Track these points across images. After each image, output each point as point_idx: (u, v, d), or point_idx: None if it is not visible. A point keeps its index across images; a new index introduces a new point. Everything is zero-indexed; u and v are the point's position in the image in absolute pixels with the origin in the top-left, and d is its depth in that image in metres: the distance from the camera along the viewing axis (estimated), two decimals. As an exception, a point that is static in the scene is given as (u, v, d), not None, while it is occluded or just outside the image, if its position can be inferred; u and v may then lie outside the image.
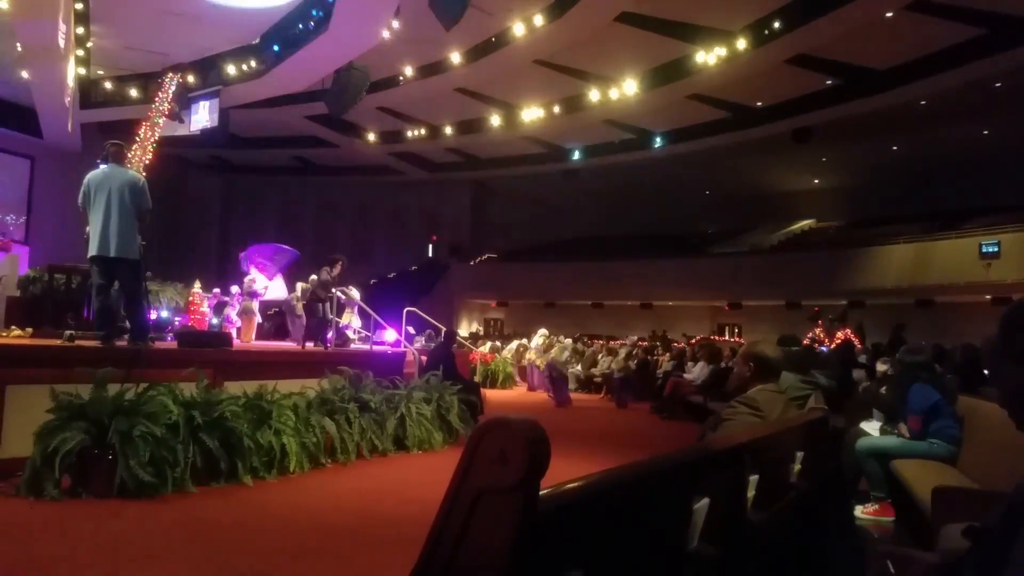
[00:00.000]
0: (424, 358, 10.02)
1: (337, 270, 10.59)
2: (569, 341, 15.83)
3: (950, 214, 20.30)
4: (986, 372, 5.34)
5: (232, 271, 15.38)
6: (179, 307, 13.28)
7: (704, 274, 22.51)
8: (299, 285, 12.05)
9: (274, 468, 5.26)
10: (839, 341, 14.01)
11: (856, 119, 18.19)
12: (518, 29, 15.97)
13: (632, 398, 13.85)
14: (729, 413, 3.17)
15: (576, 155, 24.17)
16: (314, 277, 11.93)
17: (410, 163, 26.98)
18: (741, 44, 15.70)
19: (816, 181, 26.10)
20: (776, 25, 15.07)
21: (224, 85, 16.80)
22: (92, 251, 6.26)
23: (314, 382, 6.61)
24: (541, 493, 1.12)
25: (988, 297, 16.07)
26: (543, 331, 16.37)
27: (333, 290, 10.70)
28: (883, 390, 6.14)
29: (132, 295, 6.55)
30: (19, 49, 13.70)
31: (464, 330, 23.93)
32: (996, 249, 16.54)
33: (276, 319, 14.08)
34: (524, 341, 17.97)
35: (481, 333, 22.11)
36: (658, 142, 22.04)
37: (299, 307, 11.75)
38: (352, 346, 11.03)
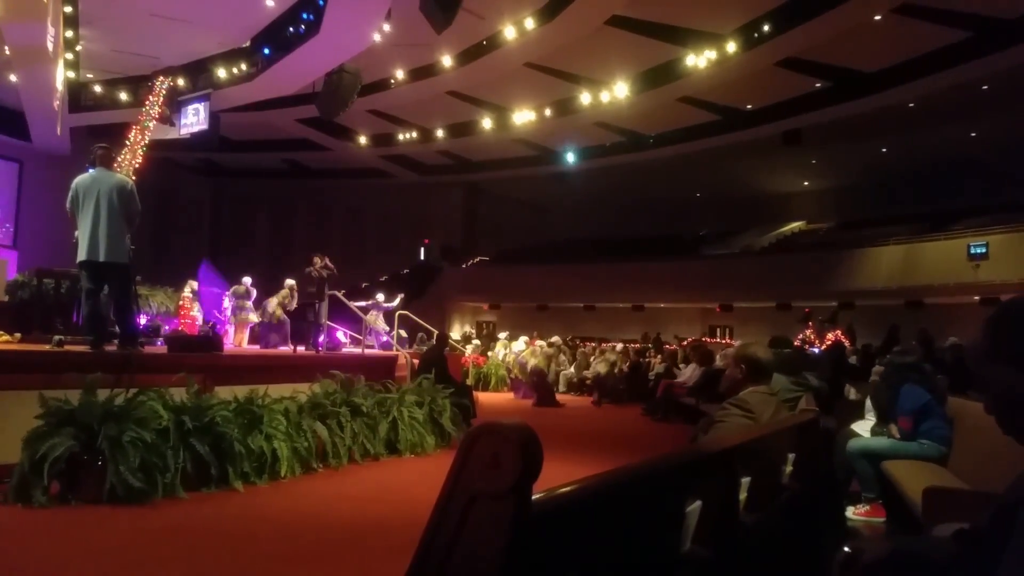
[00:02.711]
0: (416, 361, 10.01)
1: (319, 264, 10.65)
2: (541, 344, 15.86)
3: (939, 215, 20.43)
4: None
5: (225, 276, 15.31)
6: (169, 311, 13.21)
7: (695, 276, 22.56)
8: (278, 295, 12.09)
9: (265, 473, 5.23)
10: (830, 342, 14.08)
11: (845, 121, 18.30)
12: (509, 32, 15.99)
13: (610, 400, 13.92)
14: (721, 415, 3.18)
15: (569, 157, 24.18)
16: (290, 282, 11.97)
17: (401, 166, 26.96)
18: (731, 47, 15.76)
19: (806, 183, 26.24)
20: (766, 28, 15.15)
21: (214, 88, 16.73)
22: (81, 256, 6.22)
23: (305, 386, 6.57)
24: (534, 497, 1.12)
25: (977, 298, 16.17)
26: (524, 338, 16.48)
27: (326, 290, 10.69)
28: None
29: (122, 300, 6.50)
30: (7, 52, 13.62)
31: (456, 333, 23.89)
32: (984, 250, 16.66)
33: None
34: (504, 340, 17.99)
35: (474, 335, 22.08)
36: (649, 145, 22.09)
37: (277, 312, 11.73)
38: (343, 350, 11.02)
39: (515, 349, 16.29)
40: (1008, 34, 13.87)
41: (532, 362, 14.24)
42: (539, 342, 16.05)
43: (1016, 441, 1.28)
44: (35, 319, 9.13)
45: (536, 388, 13.48)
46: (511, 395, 15.48)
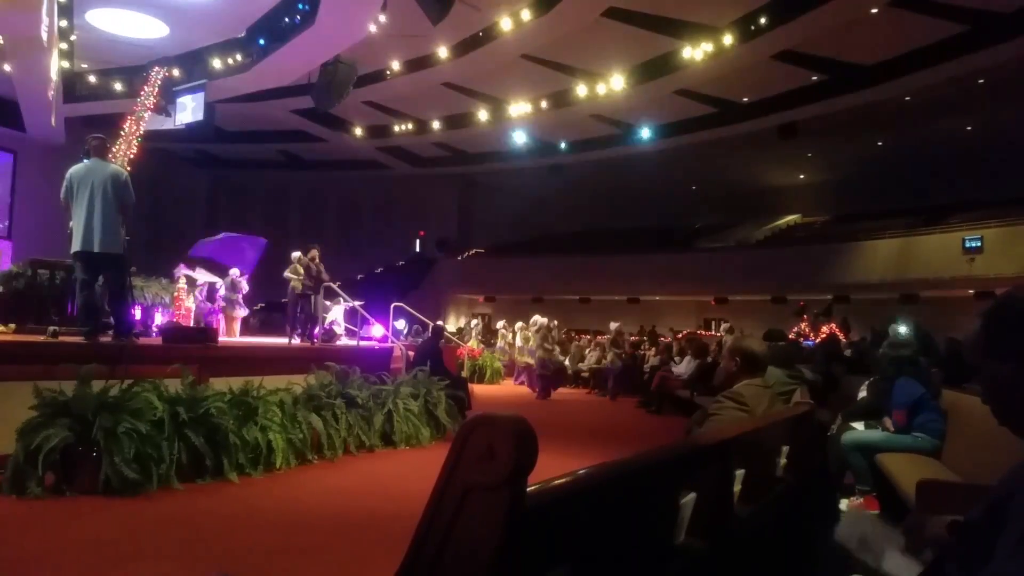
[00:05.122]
0: (411, 353, 10.00)
1: (314, 255, 10.44)
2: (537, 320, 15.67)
3: (934, 209, 20.47)
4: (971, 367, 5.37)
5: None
6: (164, 303, 13.17)
7: (691, 269, 22.59)
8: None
9: (260, 464, 5.23)
10: (824, 335, 14.12)
11: (841, 115, 18.29)
12: (505, 24, 15.93)
13: (620, 391, 13.93)
14: (716, 408, 3.19)
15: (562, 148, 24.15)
16: (296, 254, 11.68)
17: (397, 158, 26.87)
18: (728, 40, 15.73)
19: (802, 176, 26.23)
20: (762, 21, 15.12)
21: (210, 79, 16.63)
22: (76, 246, 6.20)
23: (300, 378, 6.58)
24: (528, 489, 1.12)
25: (971, 292, 16.22)
26: (520, 324, 16.40)
27: (322, 282, 10.58)
28: (865, 386, 6.15)
29: (116, 290, 6.50)
30: (0, 41, 13.52)
31: (452, 325, 23.89)
32: (979, 244, 16.72)
33: (263, 314, 14.01)
34: (503, 330, 17.96)
35: (471, 327, 22.07)
36: (645, 137, 22.04)
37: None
38: (339, 342, 10.99)
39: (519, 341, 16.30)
40: (1004, 28, 13.86)
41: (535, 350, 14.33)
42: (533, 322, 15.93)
43: (1012, 431, 1.29)
44: (30, 310, 9.11)
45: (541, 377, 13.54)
46: (508, 386, 15.52)
